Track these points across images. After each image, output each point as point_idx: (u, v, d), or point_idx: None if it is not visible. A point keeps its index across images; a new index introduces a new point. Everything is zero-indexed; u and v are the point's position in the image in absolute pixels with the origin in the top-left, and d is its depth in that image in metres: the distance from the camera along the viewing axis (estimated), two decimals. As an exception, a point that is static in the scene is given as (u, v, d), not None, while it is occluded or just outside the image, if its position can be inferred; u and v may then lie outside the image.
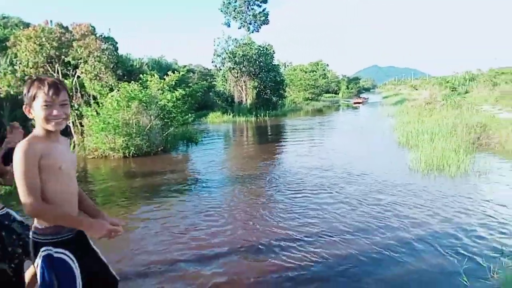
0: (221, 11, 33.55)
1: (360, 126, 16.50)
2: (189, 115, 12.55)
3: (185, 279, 3.34)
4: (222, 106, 27.94)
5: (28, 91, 1.63)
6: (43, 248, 1.62)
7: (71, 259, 1.65)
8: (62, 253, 1.63)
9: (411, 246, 3.84)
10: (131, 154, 10.20)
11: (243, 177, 7.46)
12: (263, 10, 33.50)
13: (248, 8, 33.00)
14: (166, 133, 11.35)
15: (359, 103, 37.48)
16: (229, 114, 24.87)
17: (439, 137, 9.45)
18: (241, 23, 33.38)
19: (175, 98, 11.37)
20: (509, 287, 2.79)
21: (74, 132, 11.78)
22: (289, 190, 6.36)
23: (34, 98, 1.62)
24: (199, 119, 22.95)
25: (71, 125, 12.24)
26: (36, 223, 1.66)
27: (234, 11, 33.01)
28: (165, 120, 11.36)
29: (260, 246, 4.01)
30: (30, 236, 1.68)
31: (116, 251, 3.70)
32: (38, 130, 1.66)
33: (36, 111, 1.62)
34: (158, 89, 11.44)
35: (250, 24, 33.53)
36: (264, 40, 40.14)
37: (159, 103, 11.01)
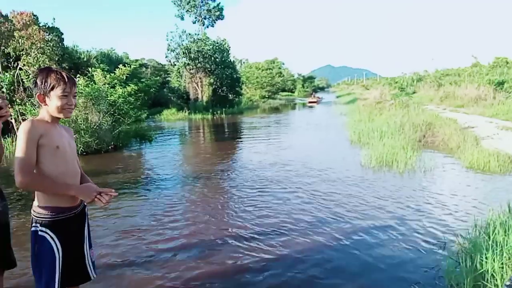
0: (174, 3, 32.63)
1: (315, 124, 16.85)
2: (142, 111, 12.10)
3: (140, 280, 3.17)
4: (177, 103, 27.39)
5: (45, 81, 1.82)
6: (33, 224, 1.84)
7: (52, 239, 1.81)
8: (45, 232, 1.81)
9: (362, 237, 3.93)
10: (79, 152, 9.66)
11: (199, 175, 7.31)
12: (218, 5, 33.11)
13: (202, 2, 32.42)
14: (118, 130, 10.86)
15: (313, 102, 36.80)
16: (185, 111, 24.43)
17: (388, 135, 9.86)
18: (196, 17, 32.75)
19: (126, 94, 10.90)
20: (450, 276, 2.93)
21: (17, 129, 10.96)
22: (246, 186, 6.32)
23: (52, 88, 1.81)
24: (153, 116, 22.30)
25: (13, 121, 11.38)
26: (34, 201, 1.86)
27: (187, 4, 32.25)
28: (116, 116, 10.86)
29: (219, 244, 3.92)
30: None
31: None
32: (43, 115, 1.87)
33: (53, 100, 1.82)
34: (104, 83, 10.89)
35: (205, 18, 33.02)
36: (218, 35, 39.83)
37: (108, 98, 10.49)
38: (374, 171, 7.18)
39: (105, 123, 10.44)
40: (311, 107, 32.60)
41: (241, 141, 12.60)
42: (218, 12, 33.11)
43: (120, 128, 10.92)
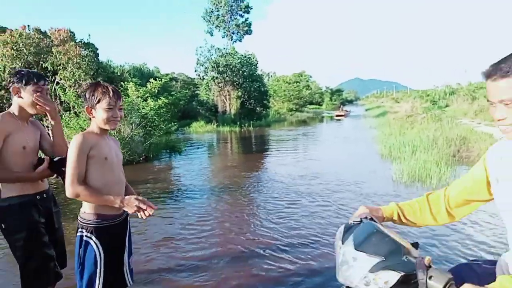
0: (204, 19, 33.59)
1: (343, 137, 16.64)
2: (172, 123, 12.36)
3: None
4: (206, 115, 27.83)
5: (92, 95, 1.93)
6: (79, 229, 1.94)
7: (96, 244, 1.91)
8: (89, 237, 1.91)
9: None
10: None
11: (228, 186, 7.35)
12: (246, 20, 33.74)
13: (231, 17, 33.18)
14: (149, 142, 11.14)
15: (341, 115, 35.60)
16: (213, 124, 24.76)
17: (421, 149, 9.57)
18: (224, 33, 33.50)
19: (157, 106, 11.20)
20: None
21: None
22: (275, 198, 6.29)
23: (99, 101, 1.92)
24: (182, 128, 22.73)
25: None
26: (81, 208, 1.98)
27: (216, 19, 33.12)
28: (147, 128, 11.16)
29: (247, 255, 3.91)
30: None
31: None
32: (93, 127, 1.99)
33: (99, 112, 1.93)
34: (137, 97, 11.24)
35: (233, 33, 33.69)
36: (246, 49, 40.46)
37: (140, 111, 10.81)
38: (406, 186, 6.98)
39: (137, 135, 10.73)
40: (338, 120, 32.14)
41: (269, 154, 12.60)
42: (247, 27, 33.71)
43: (151, 140, 11.19)
